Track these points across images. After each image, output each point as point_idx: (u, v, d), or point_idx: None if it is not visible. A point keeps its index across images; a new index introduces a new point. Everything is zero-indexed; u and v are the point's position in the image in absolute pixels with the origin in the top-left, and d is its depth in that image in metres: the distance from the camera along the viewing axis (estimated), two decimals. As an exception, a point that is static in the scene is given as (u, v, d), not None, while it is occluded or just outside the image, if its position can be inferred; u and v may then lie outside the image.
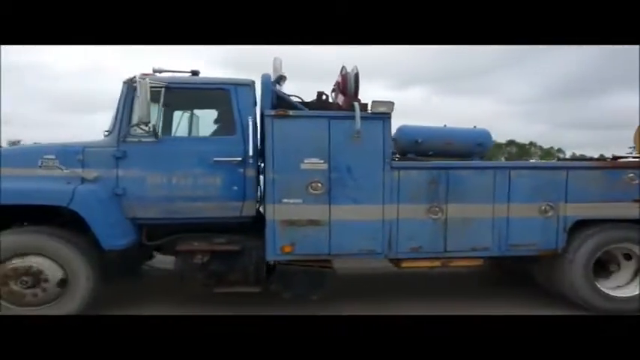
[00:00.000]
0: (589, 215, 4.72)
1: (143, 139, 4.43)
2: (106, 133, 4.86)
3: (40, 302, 4.32)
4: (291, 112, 4.39)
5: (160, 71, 4.68)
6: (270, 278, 4.52)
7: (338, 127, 4.38)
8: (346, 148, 4.39)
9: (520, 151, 78.93)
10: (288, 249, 4.41)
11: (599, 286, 4.77)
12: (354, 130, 4.28)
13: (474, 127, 6.03)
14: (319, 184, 4.37)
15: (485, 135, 5.72)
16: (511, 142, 79.46)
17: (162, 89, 4.43)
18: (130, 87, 4.46)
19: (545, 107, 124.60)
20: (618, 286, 4.89)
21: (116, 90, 4.56)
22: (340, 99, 4.64)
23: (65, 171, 4.39)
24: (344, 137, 4.38)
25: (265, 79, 4.62)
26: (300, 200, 4.38)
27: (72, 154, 4.43)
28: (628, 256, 4.91)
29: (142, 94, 4.06)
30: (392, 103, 4.34)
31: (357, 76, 4.52)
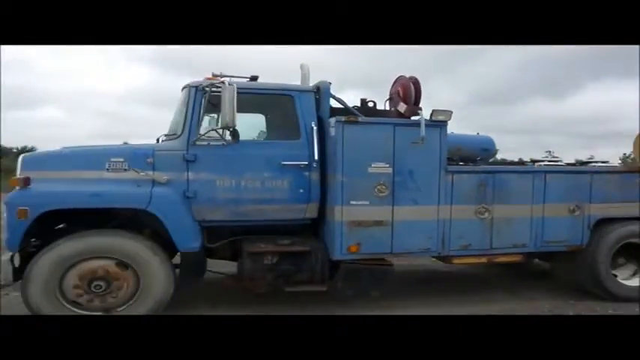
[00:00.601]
0: (609, 214, 5.34)
1: (212, 143, 4.52)
2: (164, 137, 4.89)
3: (115, 305, 4.27)
4: (360, 119, 4.65)
5: (222, 76, 4.77)
6: (335, 277, 4.73)
7: (402, 134, 4.68)
8: (408, 153, 4.69)
9: None
10: (354, 249, 4.65)
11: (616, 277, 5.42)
12: (419, 136, 4.60)
13: (477, 133, 6.57)
14: (384, 187, 4.65)
15: (490, 141, 6.27)
16: None
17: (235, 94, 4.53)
18: (199, 92, 4.52)
19: (473, 113, 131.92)
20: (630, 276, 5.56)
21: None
22: (402, 107, 4.93)
23: (140, 174, 4.38)
24: (407, 143, 4.68)
25: (325, 86, 4.85)
26: (367, 202, 4.63)
27: (142, 157, 4.43)
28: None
29: (229, 100, 4.14)
30: (450, 112, 4.71)
31: (416, 84, 4.85)
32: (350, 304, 4.92)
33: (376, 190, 4.64)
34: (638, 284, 5.47)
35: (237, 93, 4.36)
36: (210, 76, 4.73)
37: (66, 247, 4.13)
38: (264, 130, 5.46)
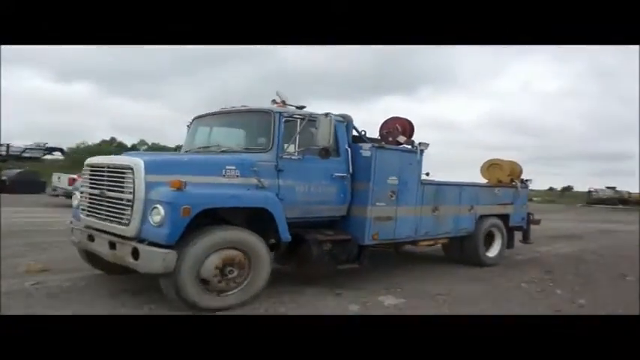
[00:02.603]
0: (484, 213, 8.56)
1: (292, 157, 5.81)
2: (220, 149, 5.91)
3: (231, 288, 5.11)
4: (385, 145, 6.62)
5: (285, 102, 6.13)
6: (361, 257, 6.51)
7: (403, 157, 6.87)
8: (405, 170, 6.88)
9: None
10: (375, 237, 6.55)
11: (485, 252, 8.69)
12: (415, 160, 6.86)
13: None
14: (393, 193, 6.71)
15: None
16: (180, 147, 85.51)
17: (298, 121, 5.92)
18: (282, 117, 5.78)
19: None
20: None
21: None
22: (402, 138, 7.05)
23: (250, 180, 5.37)
24: (405, 163, 6.87)
25: (350, 119, 6.64)
26: (384, 204, 6.61)
27: (248, 166, 5.43)
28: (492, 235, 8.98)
29: (328, 127, 5.56)
30: (428, 144, 7.11)
31: (411, 124, 7.10)
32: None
33: (389, 195, 6.66)
34: (493, 255, 8.86)
35: (296, 119, 5.84)
36: (278, 102, 6.06)
37: (215, 237, 4.92)
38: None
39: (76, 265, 6.57)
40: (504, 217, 9.09)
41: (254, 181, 5.44)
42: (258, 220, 5.45)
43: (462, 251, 8.55)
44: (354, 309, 5.20)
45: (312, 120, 5.84)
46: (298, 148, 5.83)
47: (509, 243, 9.37)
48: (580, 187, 71.50)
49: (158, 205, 4.66)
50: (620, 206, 51.49)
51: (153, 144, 79.66)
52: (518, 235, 9.80)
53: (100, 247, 5.31)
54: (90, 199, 5.65)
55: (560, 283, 7.37)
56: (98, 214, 5.41)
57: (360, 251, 6.49)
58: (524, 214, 9.65)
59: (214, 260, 4.92)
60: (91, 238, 5.51)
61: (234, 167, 5.34)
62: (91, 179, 5.65)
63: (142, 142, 78.88)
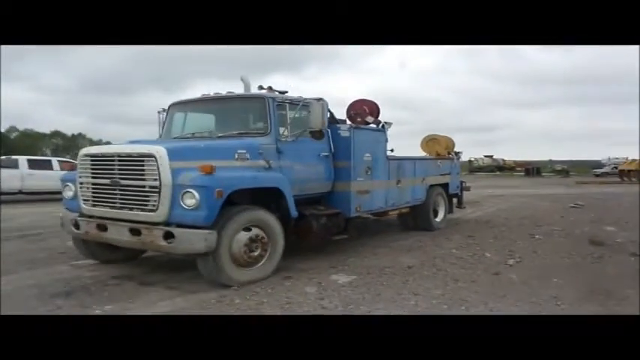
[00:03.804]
0: (432, 182, 9.67)
1: (287, 140, 6.29)
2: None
3: (257, 262, 5.57)
4: (360, 126, 7.32)
5: (271, 88, 6.59)
6: (348, 228, 7.19)
7: (373, 135, 7.65)
8: (375, 148, 7.66)
9: (67, 142, 78.63)
10: (359, 209, 7.29)
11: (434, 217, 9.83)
12: (382, 138, 7.67)
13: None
14: (369, 169, 7.46)
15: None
16: (56, 134, 79.33)
17: (287, 105, 6.43)
18: (274, 102, 6.23)
19: (83, 100, 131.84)
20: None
21: None
22: (370, 119, 7.77)
23: (258, 162, 5.78)
24: (375, 141, 7.65)
25: (326, 102, 7.21)
26: (362, 179, 7.34)
27: (255, 149, 5.84)
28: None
29: (321, 111, 6.11)
30: (392, 123, 7.95)
31: (377, 105, 7.86)
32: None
33: (365, 170, 7.41)
34: (440, 220, 10.05)
35: (286, 103, 6.38)
36: (266, 88, 6.50)
37: (243, 217, 5.32)
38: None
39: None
40: (445, 186, 10.31)
41: (262, 163, 5.87)
42: (262, 199, 5.85)
43: (414, 219, 9.59)
44: (311, 291, 5.28)
45: (305, 105, 6.36)
46: (290, 131, 6.32)
47: (449, 208, 10.62)
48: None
49: (191, 190, 4.93)
50: (498, 172, 57.89)
51: (26, 129, 72.32)
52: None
53: (118, 235, 5.42)
54: (95, 189, 5.68)
55: (485, 246, 8.05)
56: (111, 203, 5.49)
57: (347, 223, 7.19)
58: (459, 182, 10.99)
59: (242, 238, 5.32)
60: (101, 227, 5.57)
61: (244, 151, 5.73)
62: (93, 169, 5.67)
63: (13, 129, 71.41)
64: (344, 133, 7.10)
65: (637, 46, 4.40)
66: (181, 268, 6.23)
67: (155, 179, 5.08)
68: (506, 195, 21.40)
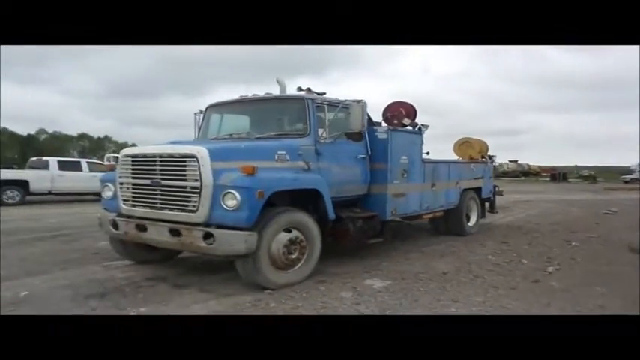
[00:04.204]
0: (465, 186, 9.49)
1: (326, 141, 6.21)
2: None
3: (294, 265, 5.51)
4: (398, 129, 7.21)
5: (310, 90, 6.52)
6: (384, 232, 7.08)
7: (410, 138, 7.52)
8: (411, 150, 7.54)
9: (94, 144, 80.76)
10: (394, 212, 7.17)
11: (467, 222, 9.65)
12: (418, 140, 7.54)
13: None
14: (405, 172, 7.35)
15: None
16: (83, 136, 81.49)
17: (326, 107, 6.36)
18: (310, 103, 6.17)
19: (110, 104, 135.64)
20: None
21: None
22: (407, 121, 7.67)
23: (298, 163, 5.72)
24: (411, 144, 7.53)
25: (365, 103, 7.10)
26: (398, 182, 7.22)
27: (295, 150, 5.79)
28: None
29: (361, 113, 6.02)
30: (428, 126, 7.82)
31: (414, 108, 7.74)
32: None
33: (402, 173, 7.29)
34: (472, 225, 9.85)
35: (325, 105, 6.31)
36: (305, 89, 6.44)
37: (283, 219, 5.27)
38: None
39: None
40: (478, 190, 10.12)
41: (301, 164, 5.80)
42: (300, 200, 5.78)
43: (446, 223, 9.42)
44: (346, 295, 5.20)
45: (344, 107, 6.28)
46: (329, 132, 6.25)
47: (482, 213, 10.42)
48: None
49: (232, 191, 4.88)
50: (523, 178, 56.94)
51: (55, 132, 74.32)
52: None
53: (157, 235, 5.41)
54: (135, 189, 5.69)
55: (521, 252, 7.85)
56: (151, 203, 5.49)
57: (382, 226, 7.07)
58: (492, 186, 10.78)
59: (282, 239, 5.26)
60: (141, 228, 5.57)
61: (284, 152, 5.67)
62: (134, 170, 5.68)
63: (42, 132, 73.27)
64: (381, 136, 6.99)
65: (637, 46, 4.22)
66: (215, 270, 6.21)
67: (196, 180, 5.06)
68: (534, 200, 21.02)
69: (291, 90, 6.92)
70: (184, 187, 5.18)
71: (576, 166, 74.60)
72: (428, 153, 8.04)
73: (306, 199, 5.77)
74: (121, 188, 5.85)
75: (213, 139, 6.69)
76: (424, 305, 4.90)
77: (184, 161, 5.18)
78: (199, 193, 5.04)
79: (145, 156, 5.59)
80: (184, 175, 5.18)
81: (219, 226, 5.00)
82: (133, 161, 5.71)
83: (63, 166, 17.57)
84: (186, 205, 5.17)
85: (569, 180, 53.66)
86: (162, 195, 5.40)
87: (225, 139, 6.58)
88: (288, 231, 5.38)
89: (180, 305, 4.86)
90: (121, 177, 5.85)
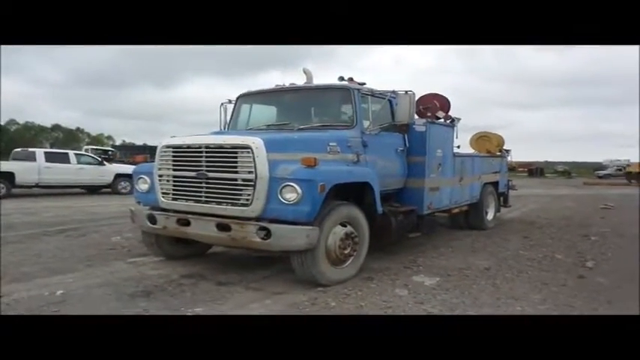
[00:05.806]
0: (486, 180, 9.41)
1: (371, 133, 5.98)
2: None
3: (347, 260, 5.28)
4: (435, 121, 7.02)
5: (352, 80, 6.26)
6: (421, 226, 6.90)
7: (444, 131, 7.35)
8: (445, 143, 7.37)
9: (67, 136, 79.09)
10: (431, 206, 7.00)
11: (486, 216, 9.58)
12: (451, 133, 7.38)
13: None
14: (439, 165, 7.18)
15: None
16: (56, 127, 79.57)
17: (369, 97, 6.13)
18: (356, 93, 5.93)
19: (79, 95, 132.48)
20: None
21: None
22: (440, 114, 7.49)
23: (348, 155, 5.47)
24: (444, 137, 7.36)
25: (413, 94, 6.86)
26: (434, 175, 7.05)
27: (345, 142, 5.54)
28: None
29: (409, 104, 5.82)
30: (460, 118, 7.67)
31: (448, 101, 7.56)
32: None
33: (437, 166, 7.12)
34: (491, 219, 9.79)
35: (368, 95, 6.09)
36: (347, 79, 6.18)
37: (339, 213, 5.06)
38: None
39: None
40: (495, 185, 10.06)
41: (351, 156, 5.57)
42: (349, 194, 5.52)
43: (466, 217, 9.31)
44: (402, 293, 5.05)
45: (392, 98, 6.07)
46: (372, 124, 6.02)
47: (498, 207, 10.37)
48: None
49: (292, 183, 4.61)
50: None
51: (27, 122, 72.04)
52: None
53: (202, 230, 5.10)
54: (176, 182, 5.35)
55: (549, 247, 7.81)
56: (196, 196, 5.16)
57: (419, 221, 6.89)
58: (507, 180, 10.74)
59: (339, 233, 5.03)
60: (182, 222, 5.24)
61: (335, 144, 5.42)
62: (175, 161, 5.34)
63: (13, 122, 70.90)
64: (419, 128, 6.80)
65: (636, 47, 4.40)
66: (251, 266, 5.98)
67: (250, 172, 4.76)
68: (525, 195, 21.20)
69: (318, 80, 6.66)
70: (235, 180, 4.88)
71: (546, 161, 76.19)
72: (459, 146, 7.91)
73: (354, 193, 5.53)
74: (160, 181, 5.49)
75: (251, 130, 6.36)
76: (488, 304, 4.75)
77: (236, 152, 4.87)
78: (253, 186, 4.75)
79: (189, 147, 5.25)
80: (235, 167, 4.88)
81: (273, 221, 4.74)
82: (174, 152, 5.36)
83: (50, 157, 16.84)
84: (238, 199, 4.87)
85: (547, 175, 54.77)
86: (208, 188, 5.08)
87: (261, 129, 6.27)
88: (344, 225, 5.15)
89: (237, 305, 4.58)
90: (160, 169, 5.48)
